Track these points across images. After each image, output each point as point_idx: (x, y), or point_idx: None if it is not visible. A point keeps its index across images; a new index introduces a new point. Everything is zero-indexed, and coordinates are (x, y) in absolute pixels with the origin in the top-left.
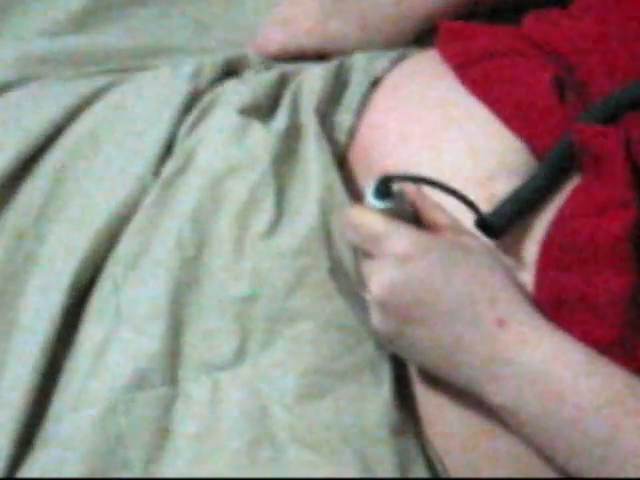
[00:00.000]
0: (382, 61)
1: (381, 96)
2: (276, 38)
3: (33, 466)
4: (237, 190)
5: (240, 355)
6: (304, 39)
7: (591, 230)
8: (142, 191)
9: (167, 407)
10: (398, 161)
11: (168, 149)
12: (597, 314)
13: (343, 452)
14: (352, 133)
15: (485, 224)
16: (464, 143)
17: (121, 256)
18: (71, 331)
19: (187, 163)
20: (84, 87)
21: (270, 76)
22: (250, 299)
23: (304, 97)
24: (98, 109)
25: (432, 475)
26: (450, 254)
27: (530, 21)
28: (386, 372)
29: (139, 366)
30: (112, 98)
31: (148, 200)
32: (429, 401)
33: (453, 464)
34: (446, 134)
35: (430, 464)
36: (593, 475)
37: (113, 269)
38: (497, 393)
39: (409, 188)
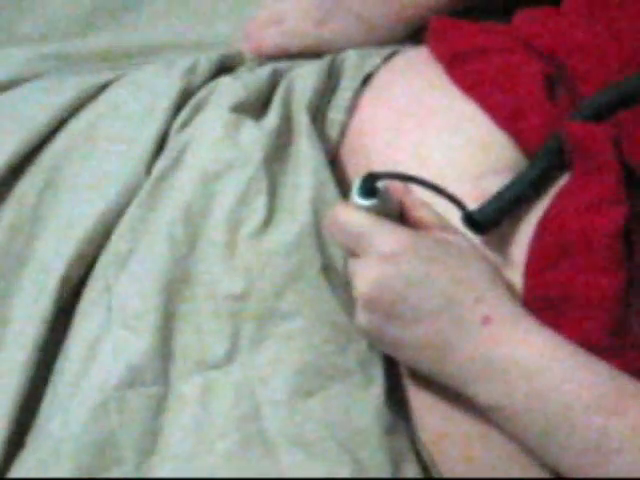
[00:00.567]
0: (374, 58)
1: (371, 94)
2: (272, 38)
3: (24, 464)
4: (229, 188)
5: (231, 354)
6: (300, 39)
7: (581, 228)
8: (135, 188)
9: (158, 405)
10: (387, 159)
11: (161, 146)
12: (587, 312)
13: (335, 451)
14: (343, 130)
15: (471, 220)
16: (453, 141)
17: (112, 253)
18: (63, 328)
19: (179, 160)
20: (84, 84)
21: (262, 73)
22: (242, 297)
23: (296, 94)
24: (92, 108)
25: (424, 475)
26: (436, 252)
27: (521, 19)
28: (378, 371)
29: (131, 364)
30: (107, 95)
31: (140, 196)
32: (420, 401)
33: (445, 464)
34: (435, 132)
35: (422, 463)
36: (582, 474)
37: (105, 266)
38: (483, 392)
39: (394, 186)
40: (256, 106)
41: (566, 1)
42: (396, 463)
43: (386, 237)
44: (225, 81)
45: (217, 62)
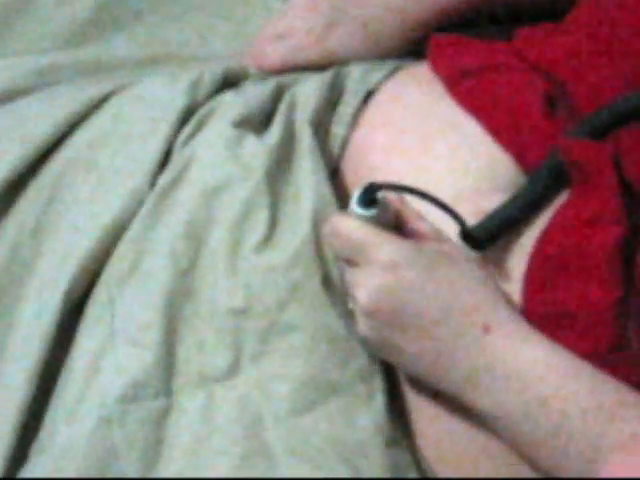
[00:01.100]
0: (377, 74)
1: (373, 109)
2: (276, 53)
3: (27, 477)
4: (231, 203)
5: (234, 367)
6: (305, 53)
7: (580, 245)
8: (138, 203)
9: (161, 419)
10: (386, 175)
11: (165, 161)
12: (585, 328)
13: (337, 464)
14: (344, 145)
15: (469, 236)
16: (452, 158)
17: (115, 267)
18: (67, 341)
19: (181, 175)
20: (84, 97)
21: (266, 88)
22: (243, 312)
23: (299, 109)
24: (96, 120)
25: None
26: (435, 262)
27: (521, 36)
28: (378, 384)
29: (133, 379)
30: (110, 109)
31: (142, 211)
32: (420, 413)
33: (445, 475)
34: (435, 149)
35: (423, 473)
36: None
37: (108, 280)
38: (482, 399)
39: (391, 197)
40: (259, 121)
41: (567, 18)
42: (397, 475)
43: (386, 247)
44: (228, 96)
45: (221, 77)
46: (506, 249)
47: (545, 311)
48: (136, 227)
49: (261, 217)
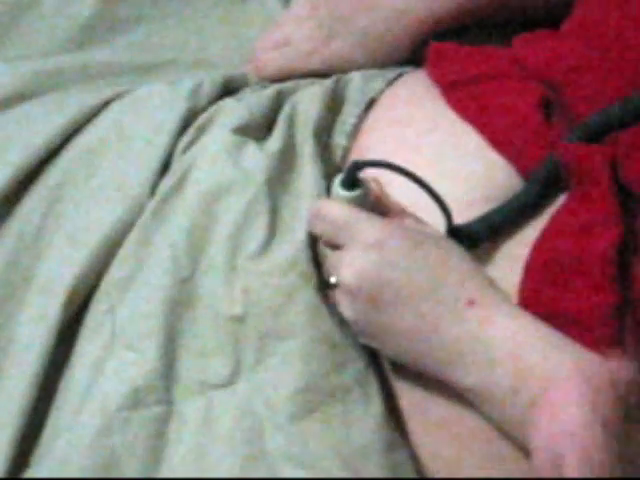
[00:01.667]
0: (377, 83)
1: (373, 119)
2: (276, 61)
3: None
4: (231, 209)
5: (234, 374)
6: (304, 62)
7: (576, 249)
8: (139, 209)
9: (162, 426)
10: (386, 183)
11: (165, 167)
12: (580, 331)
13: (337, 469)
14: (345, 155)
15: (455, 232)
16: (451, 166)
17: (116, 274)
18: (67, 349)
19: (182, 182)
20: (84, 103)
21: (266, 95)
22: (242, 318)
23: (300, 118)
24: (96, 127)
25: None
26: (419, 240)
27: (519, 43)
28: (375, 389)
29: (134, 386)
30: (110, 116)
31: (143, 218)
32: (416, 421)
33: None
34: (434, 158)
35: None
36: None
37: (108, 287)
38: (467, 375)
39: (370, 177)
40: (259, 128)
41: (564, 24)
42: (398, 478)
43: (369, 226)
44: (229, 103)
45: (221, 84)
46: (503, 252)
47: (541, 315)
48: (136, 234)
49: (260, 224)
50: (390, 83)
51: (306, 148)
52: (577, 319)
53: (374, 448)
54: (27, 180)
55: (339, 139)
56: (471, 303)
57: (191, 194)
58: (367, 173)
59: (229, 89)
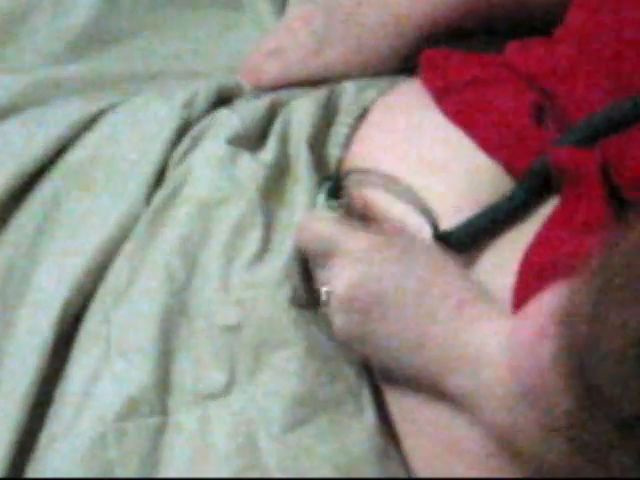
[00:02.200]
0: (370, 92)
1: (366, 128)
2: (269, 69)
3: None
4: (225, 220)
5: (229, 385)
6: (298, 69)
7: (569, 252)
8: (133, 221)
9: (157, 437)
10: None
11: (160, 178)
12: None
13: None
14: (339, 165)
15: (442, 239)
16: (445, 173)
17: (111, 285)
18: (62, 359)
19: (176, 193)
20: (78, 114)
21: (260, 105)
22: (237, 329)
23: (293, 128)
24: (90, 139)
25: None
26: (407, 248)
27: (512, 49)
28: (367, 399)
29: (129, 396)
30: (104, 128)
31: (138, 229)
32: (406, 428)
33: None
34: (427, 166)
35: None
36: None
37: (103, 298)
38: (459, 381)
39: (354, 185)
40: (253, 138)
41: (557, 31)
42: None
43: (356, 238)
44: (223, 113)
45: (215, 93)
46: (495, 257)
47: None
48: (131, 244)
49: (254, 235)
50: (383, 92)
51: (300, 159)
52: None
53: (368, 458)
54: (21, 192)
55: (332, 150)
56: (460, 307)
57: (186, 205)
58: (352, 181)
59: (223, 98)
